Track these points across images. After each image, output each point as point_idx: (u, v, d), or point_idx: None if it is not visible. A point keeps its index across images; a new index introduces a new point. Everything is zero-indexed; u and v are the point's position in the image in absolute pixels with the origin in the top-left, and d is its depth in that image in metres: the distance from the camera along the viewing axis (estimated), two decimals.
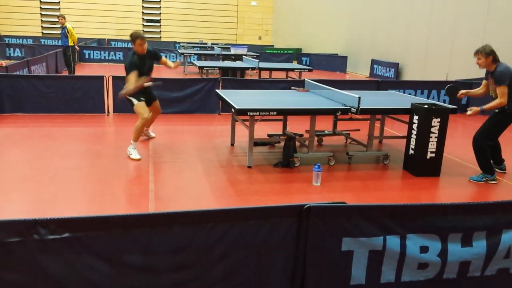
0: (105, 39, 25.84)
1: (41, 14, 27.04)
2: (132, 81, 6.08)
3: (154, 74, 6.78)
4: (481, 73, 5.90)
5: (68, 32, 12.64)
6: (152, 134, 7.37)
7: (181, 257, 2.45)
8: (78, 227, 2.27)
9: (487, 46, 5.52)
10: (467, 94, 6.24)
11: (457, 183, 5.74)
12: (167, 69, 7.25)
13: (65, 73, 13.71)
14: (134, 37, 6.21)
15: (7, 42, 21.63)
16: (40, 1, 26.83)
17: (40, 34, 26.62)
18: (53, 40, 24.18)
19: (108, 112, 9.11)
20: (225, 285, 2.55)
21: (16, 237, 2.19)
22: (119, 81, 8.94)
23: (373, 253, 2.67)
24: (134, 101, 6.31)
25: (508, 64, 5.62)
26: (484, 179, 5.72)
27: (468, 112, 5.63)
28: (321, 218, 2.57)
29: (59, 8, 26.96)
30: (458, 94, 6.06)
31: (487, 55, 5.46)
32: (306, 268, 2.62)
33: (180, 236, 2.42)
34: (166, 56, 19.73)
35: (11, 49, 19.35)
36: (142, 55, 6.29)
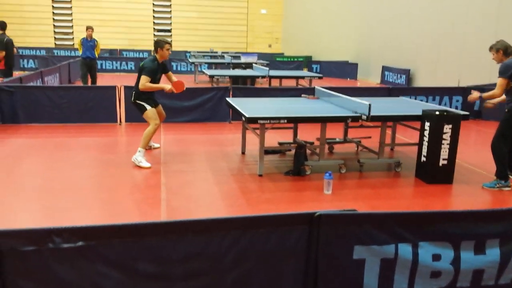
0: (117, 49, 26.15)
1: (54, 25, 27.49)
2: (154, 85, 6.28)
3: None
4: (493, 78, 5.86)
5: (97, 45, 12.66)
6: (156, 145, 7.38)
7: (193, 265, 2.47)
8: (92, 236, 2.30)
9: (500, 41, 5.69)
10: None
11: (470, 190, 5.68)
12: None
13: (79, 83, 13.85)
14: (164, 42, 6.33)
15: (21, 53, 22.00)
16: (53, 13, 27.29)
17: (53, 45, 27.03)
18: (66, 51, 24.52)
19: (120, 121, 9.20)
20: None
21: (31, 245, 2.23)
22: (131, 91, 9.02)
23: (385, 261, 2.66)
24: (147, 106, 6.37)
25: None
26: (498, 185, 5.66)
27: (469, 97, 5.90)
28: (332, 226, 2.57)
29: (72, 20, 27.40)
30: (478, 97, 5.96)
31: (497, 49, 5.60)
32: (318, 276, 2.62)
33: (192, 244, 2.44)
34: (177, 66, 19.94)
35: (25, 60, 19.66)
36: (160, 63, 6.42)
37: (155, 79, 6.35)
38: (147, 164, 6.21)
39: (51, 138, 7.92)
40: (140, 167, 6.20)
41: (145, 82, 6.20)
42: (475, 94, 5.84)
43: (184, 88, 6.53)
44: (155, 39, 6.53)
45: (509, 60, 5.51)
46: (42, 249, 2.24)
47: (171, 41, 28.82)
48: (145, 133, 6.35)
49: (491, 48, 5.70)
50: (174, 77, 6.77)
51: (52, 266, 2.28)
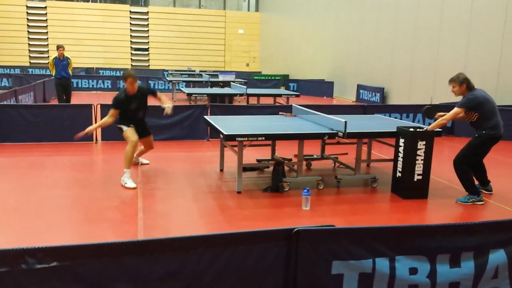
0: (93, 67, 25.96)
1: (28, 44, 27.17)
2: (102, 121, 6.46)
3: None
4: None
5: (69, 63, 12.43)
6: (145, 161, 7.37)
7: (171, 284, 2.44)
8: (66, 256, 2.25)
9: (461, 74, 5.74)
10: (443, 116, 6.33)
11: (445, 205, 5.79)
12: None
13: (54, 102, 13.62)
14: (126, 75, 6.31)
15: None
16: (28, 31, 27.01)
17: (27, 64, 26.69)
18: (41, 69, 24.22)
19: (96, 140, 9.09)
20: None
21: (3, 267, 2.17)
22: (107, 109, 8.93)
23: (363, 276, 2.69)
24: (123, 127, 6.41)
25: (484, 91, 5.76)
26: (471, 200, 5.78)
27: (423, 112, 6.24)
28: (310, 241, 2.58)
29: (47, 38, 27.15)
30: (436, 115, 6.16)
31: (461, 83, 5.67)
32: None
33: (169, 263, 2.41)
34: (154, 84, 19.88)
35: None
36: (132, 94, 6.37)
37: (131, 109, 6.40)
38: (133, 185, 6.13)
39: (25, 157, 7.76)
40: (125, 187, 6.12)
41: (108, 116, 6.32)
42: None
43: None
44: (127, 69, 6.52)
45: (473, 94, 5.59)
46: (15, 270, 2.18)
47: (149, 59, 28.91)
48: (125, 153, 6.31)
49: (452, 81, 5.74)
50: (164, 96, 6.76)
51: (25, 287, 2.21)
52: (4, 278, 2.18)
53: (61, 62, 12.23)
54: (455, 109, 5.70)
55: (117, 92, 6.46)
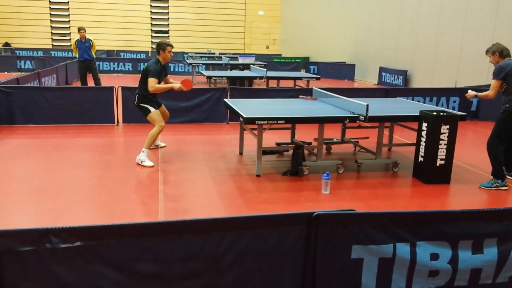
0: (114, 50, 26.13)
1: (51, 26, 27.45)
2: (164, 86, 6.43)
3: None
4: (490, 79, 5.92)
5: (92, 45, 12.52)
6: (162, 144, 7.43)
7: (191, 265, 2.46)
8: (90, 236, 2.29)
9: (495, 44, 5.76)
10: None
11: (468, 190, 5.70)
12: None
13: (77, 83, 13.78)
14: (166, 44, 6.41)
15: (18, 54, 21.97)
16: (50, 14, 27.27)
17: (50, 46, 27.02)
18: (63, 52, 24.51)
19: (117, 122, 9.19)
20: None
21: (28, 246, 2.22)
22: (128, 92, 9.03)
23: (383, 260, 2.67)
24: (151, 108, 6.42)
25: None
26: (495, 185, 5.68)
27: (466, 94, 6.05)
28: (330, 225, 2.57)
29: (69, 21, 27.38)
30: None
31: (493, 52, 5.67)
32: (316, 276, 2.62)
33: (190, 244, 2.43)
34: (174, 67, 19.94)
35: (22, 61, 19.63)
36: (163, 65, 6.48)
37: (159, 81, 6.41)
38: (150, 163, 6.26)
39: (48, 139, 7.90)
40: (143, 166, 6.25)
41: (153, 84, 6.24)
42: (471, 93, 5.95)
43: (193, 86, 6.62)
44: (158, 41, 6.59)
45: (504, 62, 5.59)
46: (39, 249, 2.23)
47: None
48: (149, 134, 6.38)
49: (487, 52, 5.77)
50: (172, 80, 6.79)
51: (49, 266, 2.27)
52: (29, 257, 2.23)
53: (83, 44, 12.32)
54: (492, 82, 5.66)
55: (151, 64, 6.34)
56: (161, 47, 6.40)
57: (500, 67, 5.57)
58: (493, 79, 5.62)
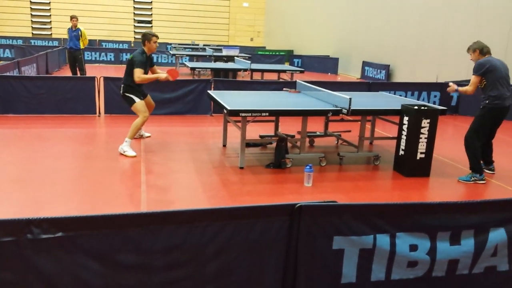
0: (96, 40, 25.72)
1: (31, 14, 26.86)
2: (150, 76, 6.42)
3: None
4: (470, 74, 6.03)
5: (81, 35, 12.26)
6: (147, 134, 7.39)
7: (174, 256, 2.47)
8: (71, 227, 2.28)
9: (476, 42, 5.89)
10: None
11: (447, 183, 5.81)
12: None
13: (57, 73, 13.54)
14: (151, 35, 6.37)
15: None
16: (30, 1, 26.66)
17: (30, 35, 26.43)
18: (43, 41, 24.03)
19: (99, 113, 9.09)
20: (218, 284, 2.58)
21: (9, 236, 2.20)
22: (110, 82, 8.92)
23: (364, 251, 2.71)
24: (136, 99, 6.40)
25: (500, 60, 5.82)
26: (473, 178, 5.80)
27: (448, 89, 6.15)
28: (312, 217, 2.60)
29: (50, 9, 26.82)
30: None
31: (474, 50, 5.80)
32: (298, 267, 2.66)
33: (172, 236, 2.44)
34: (158, 58, 19.73)
35: (1, 50, 19.20)
36: (148, 55, 6.44)
37: (145, 72, 6.37)
38: (133, 153, 6.25)
39: (28, 129, 7.78)
40: (125, 156, 6.23)
41: (139, 74, 6.22)
42: (453, 86, 6.05)
43: (178, 76, 6.59)
44: (142, 31, 6.54)
45: (484, 59, 5.71)
46: (20, 240, 2.21)
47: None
48: (133, 124, 6.35)
49: (468, 49, 5.88)
50: (159, 70, 6.75)
51: (30, 257, 2.25)
52: (10, 247, 2.21)
53: (72, 32, 12.10)
54: (472, 78, 5.76)
55: (135, 55, 6.30)
56: (146, 37, 6.36)
57: (480, 63, 5.68)
58: (473, 75, 5.73)
